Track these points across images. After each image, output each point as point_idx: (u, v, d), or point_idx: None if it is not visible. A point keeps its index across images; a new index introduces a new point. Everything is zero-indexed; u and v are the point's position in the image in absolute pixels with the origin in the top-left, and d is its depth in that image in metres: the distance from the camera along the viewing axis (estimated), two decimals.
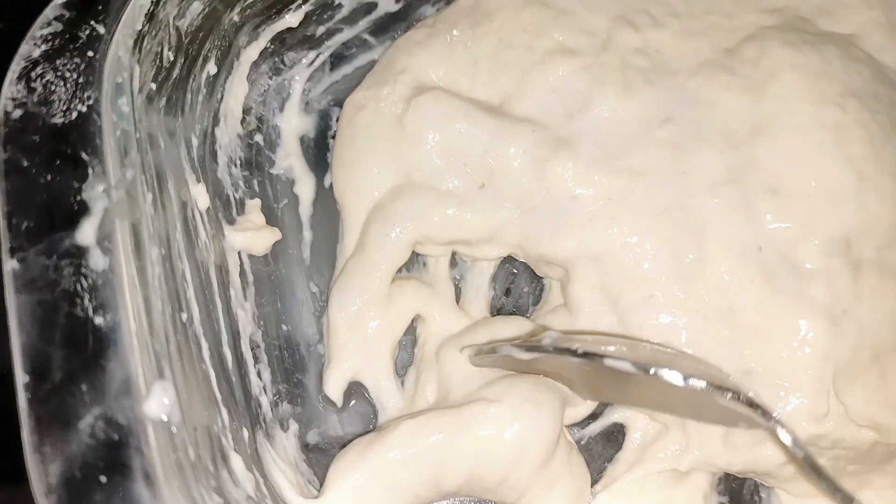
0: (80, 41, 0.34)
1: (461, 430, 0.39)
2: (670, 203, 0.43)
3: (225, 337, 0.39)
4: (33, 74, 0.34)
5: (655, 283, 0.42)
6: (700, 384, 0.34)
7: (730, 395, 0.35)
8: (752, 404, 0.35)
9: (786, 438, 0.35)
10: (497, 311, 0.47)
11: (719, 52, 0.46)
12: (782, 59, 0.44)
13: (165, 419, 0.30)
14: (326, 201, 0.48)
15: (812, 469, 0.35)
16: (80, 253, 0.31)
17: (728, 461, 0.42)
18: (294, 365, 0.45)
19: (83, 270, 0.31)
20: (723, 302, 0.42)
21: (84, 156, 0.33)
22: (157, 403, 0.30)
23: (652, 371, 0.35)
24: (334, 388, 0.44)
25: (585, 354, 0.36)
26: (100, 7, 0.35)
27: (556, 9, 0.46)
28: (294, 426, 0.43)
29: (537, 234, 0.44)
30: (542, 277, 0.48)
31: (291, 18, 0.46)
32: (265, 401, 0.42)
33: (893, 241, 0.41)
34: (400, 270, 0.46)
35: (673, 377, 0.35)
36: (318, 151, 0.49)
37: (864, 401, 0.40)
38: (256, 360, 0.42)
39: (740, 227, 0.42)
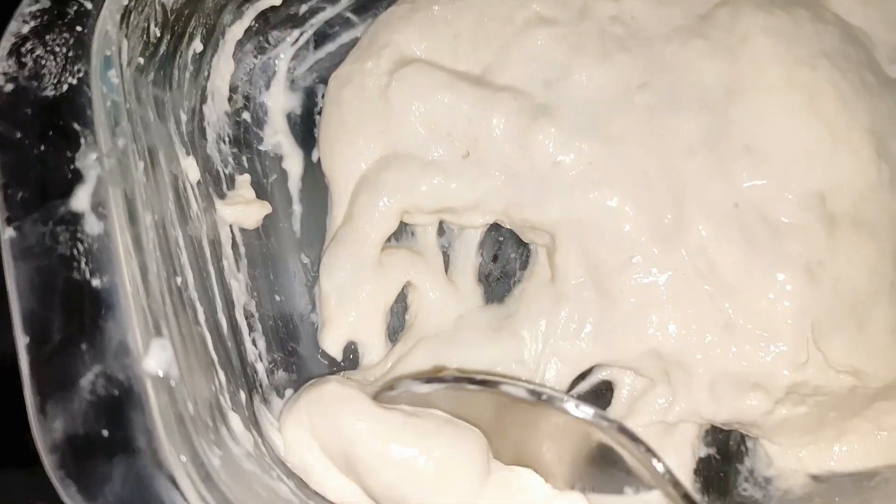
0: (69, 17, 0.35)
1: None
2: (649, 166, 0.44)
3: (219, 304, 0.40)
4: (23, 50, 0.35)
5: (635, 245, 0.43)
6: (589, 411, 0.36)
7: (616, 426, 0.36)
8: (632, 437, 0.36)
9: (659, 467, 0.37)
10: (486, 277, 0.48)
11: (693, 18, 0.47)
12: (754, 23, 0.45)
13: (163, 375, 0.31)
14: (315, 176, 0.49)
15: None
16: (75, 219, 0.32)
17: (713, 412, 0.44)
18: (288, 334, 0.46)
19: (79, 236, 0.32)
20: (702, 259, 0.43)
21: (76, 126, 0.34)
22: (156, 360, 0.31)
23: (544, 397, 0.36)
24: (332, 345, 0.45)
25: (483, 382, 0.38)
26: None
27: None
28: (290, 393, 0.44)
29: (521, 201, 0.45)
30: (528, 244, 0.49)
31: None
32: (261, 368, 0.43)
33: (867, 194, 0.43)
34: (389, 240, 0.47)
35: (567, 406, 0.36)
36: (305, 128, 0.50)
37: (843, 348, 0.42)
38: (251, 328, 0.43)
39: (717, 187, 0.43)
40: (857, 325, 0.42)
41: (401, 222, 0.47)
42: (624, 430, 0.36)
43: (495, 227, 0.49)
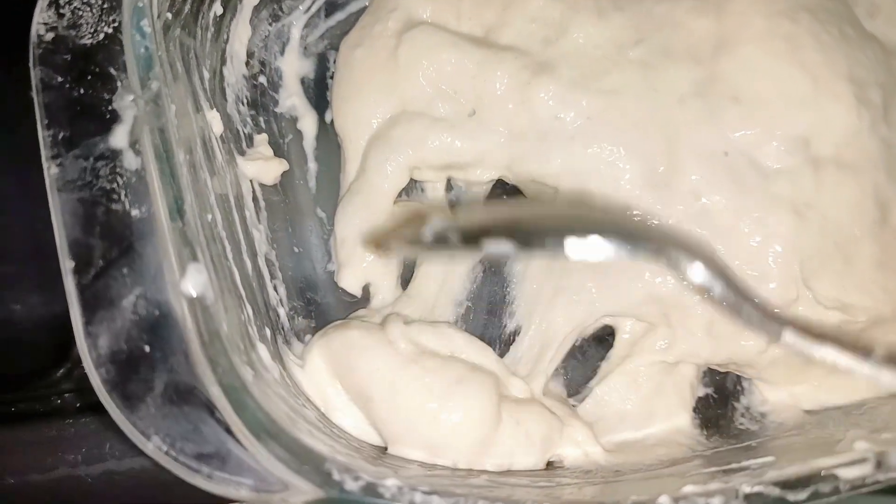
0: None
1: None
2: (643, 118, 0.46)
3: (244, 247, 0.42)
4: (61, 1, 0.37)
5: (630, 198, 0.46)
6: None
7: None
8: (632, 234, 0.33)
9: (699, 275, 0.34)
10: None
11: None
12: None
13: (197, 295, 0.33)
14: (328, 136, 0.51)
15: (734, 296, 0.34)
16: (114, 155, 0.34)
17: (711, 352, 0.46)
18: (307, 284, 0.48)
19: (118, 170, 0.34)
20: (695, 205, 0.45)
21: (112, 71, 0.36)
22: (192, 282, 0.33)
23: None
24: (350, 285, 0.48)
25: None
26: None
27: None
28: (310, 338, 0.46)
29: (524, 156, 0.48)
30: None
31: None
32: (282, 312, 0.45)
33: (849, 138, 0.45)
34: (400, 195, 0.49)
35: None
36: (318, 91, 0.52)
37: (830, 284, 0.44)
38: (272, 276, 0.46)
39: (707, 135, 0.45)
40: (844, 261, 0.44)
41: (411, 179, 0.50)
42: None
43: (500, 185, 0.51)
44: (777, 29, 0.46)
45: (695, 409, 0.47)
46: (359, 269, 0.48)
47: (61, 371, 0.55)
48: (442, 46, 0.48)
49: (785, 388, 0.47)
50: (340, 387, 0.43)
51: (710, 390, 0.48)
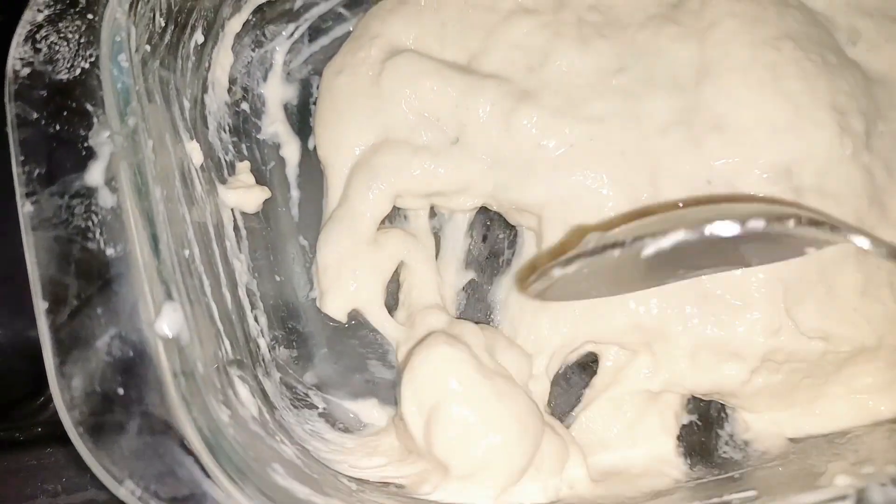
0: (80, 5, 0.37)
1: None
2: (626, 146, 0.46)
3: (223, 280, 0.42)
4: (38, 36, 0.37)
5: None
6: (759, 224, 0.31)
7: (791, 222, 0.32)
8: (815, 223, 0.33)
9: (863, 243, 0.33)
10: (475, 257, 0.51)
11: (665, 6, 0.50)
12: (722, 8, 0.48)
13: (173, 336, 0.33)
14: (311, 162, 0.51)
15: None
16: (89, 193, 0.34)
17: (694, 382, 0.46)
18: (288, 313, 0.48)
19: (93, 208, 0.34)
20: None
21: (89, 107, 0.36)
22: (167, 322, 0.33)
23: (707, 232, 0.32)
24: (335, 311, 0.48)
25: (633, 241, 0.33)
26: None
27: None
28: (291, 369, 0.46)
29: (507, 183, 0.48)
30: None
31: None
32: (263, 343, 0.45)
33: (831, 166, 0.45)
34: (383, 223, 0.49)
35: (729, 228, 0.32)
36: (301, 117, 0.52)
37: (813, 313, 0.44)
38: (253, 306, 0.45)
39: (690, 164, 0.46)
40: (826, 291, 0.44)
41: (394, 207, 0.49)
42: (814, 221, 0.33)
43: (483, 210, 0.51)
44: (760, 58, 0.46)
45: (679, 437, 0.47)
46: (344, 295, 0.47)
47: (41, 399, 0.55)
48: (424, 74, 0.48)
49: (768, 416, 0.47)
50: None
51: (694, 417, 0.48)
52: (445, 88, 0.48)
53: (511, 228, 0.51)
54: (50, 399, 0.55)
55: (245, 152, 0.50)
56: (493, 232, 0.51)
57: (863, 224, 0.45)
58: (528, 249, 0.50)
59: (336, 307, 0.48)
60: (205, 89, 0.47)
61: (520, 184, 0.47)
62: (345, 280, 0.48)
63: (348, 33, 0.53)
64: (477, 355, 0.43)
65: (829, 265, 0.45)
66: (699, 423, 0.48)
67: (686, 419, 0.48)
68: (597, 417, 0.48)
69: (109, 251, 0.34)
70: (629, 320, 0.46)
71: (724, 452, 0.47)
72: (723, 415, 0.48)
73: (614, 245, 0.33)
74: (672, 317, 0.45)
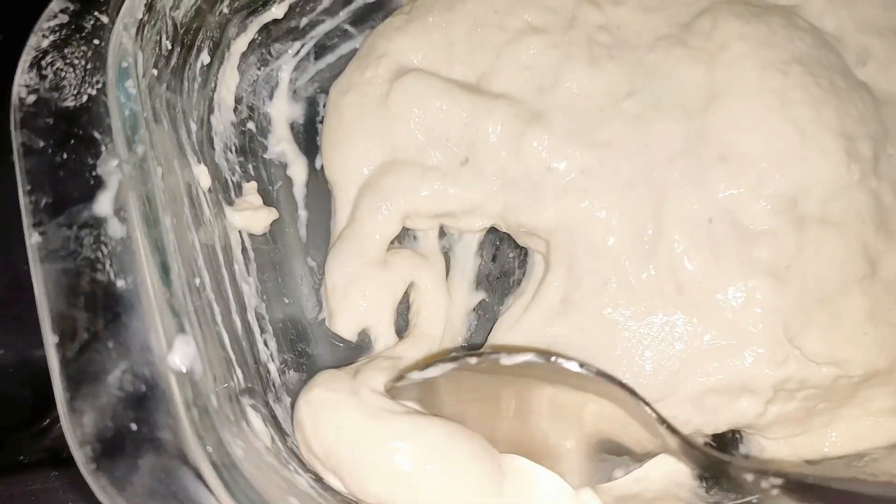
0: (86, 31, 0.37)
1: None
2: (635, 177, 0.46)
3: (233, 305, 0.41)
4: (43, 63, 0.36)
5: (615, 264, 0.45)
6: (592, 368, 0.37)
7: (617, 381, 0.38)
8: (634, 393, 0.38)
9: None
10: (486, 277, 0.50)
11: (675, 27, 0.49)
12: (732, 31, 0.47)
13: (186, 370, 0.33)
14: (318, 182, 0.51)
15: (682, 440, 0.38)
16: (98, 223, 0.34)
17: (704, 422, 0.45)
18: (297, 335, 0.47)
19: (103, 239, 0.33)
20: (670, 282, 0.44)
21: (96, 135, 0.35)
22: (180, 356, 0.32)
23: (553, 359, 0.37)
24: (344, 330, 0.47)
25: (480, 354, 0.38)
26: None
27: None
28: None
29: (517, 205, 0.47)
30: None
31: (277, 10, 0.49)
32: (273, 368, 0.44)
33: (835, 194, 0.44)
34: (392, 243, 0.49)
35: (570, 365, 0.37)
36: (308, 136, 0.52)
37: (819, 340, 0.43)
38: (262, 330, 0.45)
39: (694, 199, 0.45)
40: (830, 317, 0.44)
41: (403, 227, 0.49)
42: (624, 386, 0.38)
43: (493, 230, 0.51)
44: (768, 83, 0.45)
45: None
46: (353, 315, 0.47)
47: (45, 422, 0.54)
48: (433, 94, 0.47)
49: (785, 441, 0.47)
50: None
51: (708, 438, 0.48)
52: (455, 108, 0.47)
53: (521, 248, 0.51)
54: (53, 423, 0.55)
55: (252, 172, 0.49)
56: (503, 252, 0.51)
57: (868, 251, 0.45)
58: (537, 270, 0.50)
59: (345, 327, 0.48)
60: (211, 110, 0.47)
61: (529, 207, 0.47)
62: (354, 299, 0.47)
63: (354, 51, 0.53)
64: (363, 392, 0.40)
65: (830, 293, 0.44)
66: (713, 444, 0.48)
67: (701, 441, 0.48)
68: None
69: (120, 283, 0.33)
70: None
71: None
72: (737, 436, 0.48)
73: (473, 355, 0.38)
74: (668, 378, 0.45)
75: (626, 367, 0.44)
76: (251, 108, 0.50)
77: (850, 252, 0.44)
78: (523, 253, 0.51)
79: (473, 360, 0.38)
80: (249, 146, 0.50)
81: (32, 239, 0.33)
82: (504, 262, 0.51)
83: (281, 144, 0.51)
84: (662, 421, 0.38)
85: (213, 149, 0.47)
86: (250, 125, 0.50)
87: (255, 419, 0.37)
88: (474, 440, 0.39)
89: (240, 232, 0.46)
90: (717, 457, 0.38)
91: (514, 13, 0.48)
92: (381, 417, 0.38)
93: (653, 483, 0.45)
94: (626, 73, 0.47)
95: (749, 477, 0.36)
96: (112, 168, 0.34)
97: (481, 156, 0.47)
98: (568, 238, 0.46)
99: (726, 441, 0.48)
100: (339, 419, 0.39)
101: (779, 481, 0.35)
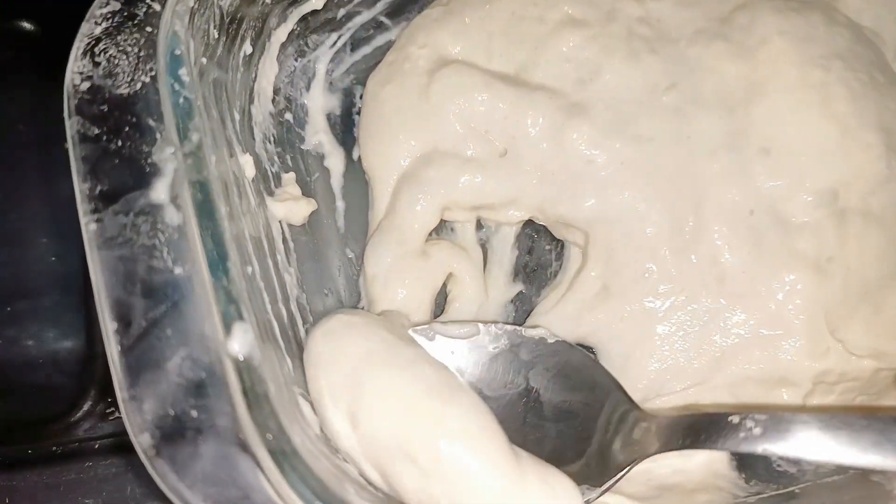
0: (138, 18, 0.37)
1: None
2: (676, 169, 0.46)
3: (279, 295, 0.41)
4: (97, 50, 0.36)
5: (654, 254, 0.45)
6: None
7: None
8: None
9: None
10: (522, 268, 0.50)
11: (714, 21, 0.49)
12: (771, 26, 0.48)
13: (244, 357, 0.33)
14: (356, 173, 0.51)
15: None
16: (154, 210, 0.33)
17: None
18: None
19: (159, 226, 0.33)
20: (711, 273, 0.45)
21: (151, 122, 0.35)
22: (238, 343, 0.32)
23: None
24: None
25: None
26: None
27: None
28: None
29: (556, 198, 0.47)
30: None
31: (316, 1, 0.49)
32: None
33: (876, 188, 0.45)
34: (430, 235, 0.49)
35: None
36: (345, 127, 0.52)
37: (861, 334, 0.44)
38: (304, 320, 0.45)
39: (736, 191, 0.45)
40: (873, 310, 0.44)
41: (441, 219, 0.49)
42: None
43: (529, 223, 0.51)
44: (809, 78, 0.45)
45: (732, 452, 0.47)
46: (393, 302, 0.47)
47: (80, 413, 0.54)
48: (475, 86, 0.47)
49: None
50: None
51: None
52: (495, 100, 0.47)
53: (557, 241, 0.51)
54: (86, 415, 0.55)
55: (290, 163, 0.49)
56: (540, 244, 0.51)
57: None
58: (574, 262, 0.50)
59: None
60: (251, 100, 0.47)
61: (569, 199, 0.47)
62: (393, 288, 0.47)
63: (390, 42, 0.53)
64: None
65: (872, 286, 0.44)
66: None
67: None
68: None
69: (177, 270, 0.33)
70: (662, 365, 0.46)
71: (779, 466, 0.46)
72: None
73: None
74: (709, 364, 0.45)
75: (667, 352, 0.45)
76: (288, 99, 0.50)
77: (892, 245, 0.44)
78: (560, 245, 0.51)
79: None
80: (287, 137, 0.50)
81: (89, 227, 0.33)
82: (541, 255, 0.51)
83: (318, 135, 0.51)
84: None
85: (254, 139, 0.47)
86: (288, 116, 0.50)
87: (306, 407, 0.37)
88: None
89: (280, 222, 0.46)
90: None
91: (555, 6, 0.48)
92: (416, 345, 0.38)
93: (693, 474, 0.45)
94: (665, 66, 0.47)
95: (735, 419, 0.36)
96: (167, 155, 0.34)
97: (521, 148, 0.47)
98: (607, 230, 0.46)
99: None
100: (368, 337, 0.37)
101: (763, 417, 0.35)
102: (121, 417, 0.53)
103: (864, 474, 0.42)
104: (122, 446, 0.53)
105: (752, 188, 0.45)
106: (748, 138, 0.45)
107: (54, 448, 0.53)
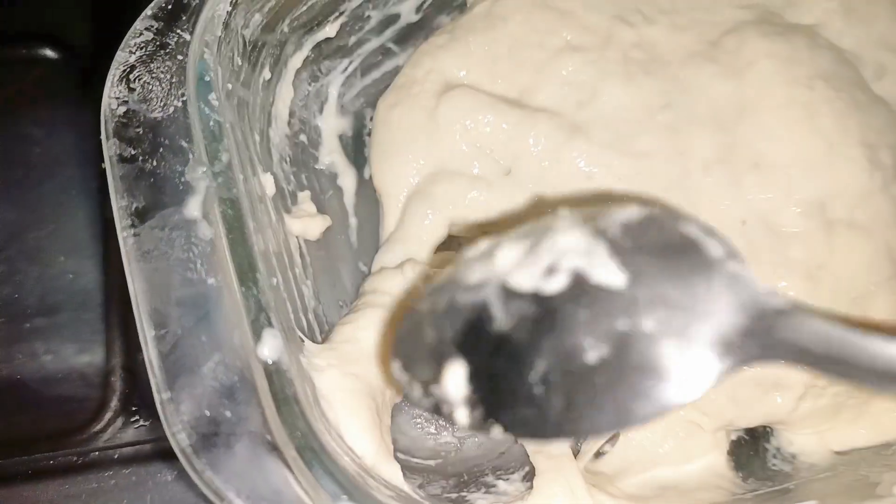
0: (170, 47, 0.39)
1: None
2: (670, 182, 0.48)
3: (299, 305, 0.44)
4: (132, 77, 0.39)
5: None
6: None
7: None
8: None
9: None
10: None
11: (704, 44, 0.52)
12: (759, 49, 0.51)
13: (273, 362, 0.35)
14: (367, 191, 0.53)
15: None
16: (188, 225, 0.36)
17: (739, 416, 0.47)
18: None
19: (193, 240, 0.36)
20: None
21: (184, 144, 0.37)
22: (268, 348, 0.35)
23: None
24: None
25: None
26: (183, 17, 0.40)
27: (561, 11, 0.53)
28: None
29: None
30: None
31: (330, 29, 0.52)
32: None
33: (862, 200, 0.48)
34: (436, 250, 0.51)
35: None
36: (356, 147, 0.54)
37: None
38: (321, 331, 0.47)
39: (729, 203, 0.48)
40: (861, 315, 0.47)
41: (448, 235, 0.51)
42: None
43: None
44: (794, 97, 0.48)
45: (729, 452, 0.49)
46: None
47: (99, 424, 0.56)
48: (480, 108, 0.50)
49: (814, 434, 0.49)
50: None
51: (740, 432, 0.50)
52: (499, 122, 0.50)
53: None
54: (107, 426, 0.56)
55: (305, 182, 0.52)
56: None
57: (892, 253, 0.47)
58: None
59: None
60: (269, 122, 0.49)
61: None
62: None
63: (397, 67, 0.55)
64: None
65: (860, 293, 0.47)
66: (746, 437, 0.50)
67: (734, 434, 0.50)
68: (646, 432, 0.49)
69: (210, 280, 0.35)
70: None
71: (774, 465, 0.49)
72: (769, 429, 0.50)
73: None
74: None
75: None
76: (303, 122, 0.53)
77: (878, 254, 0.47)
78: None
79: None
80: (302, 157, 0.52)
81: (128, 241, 0.35)
82: None
83: (331, 155, 0.54)
84: None
85: (272, 159, 0.49)
86: (302, 137, 0.53)
87: (329, 411, 0.39)
88: None
89: (297, 237, 0.49)
90: None
91: (554, 32, 0.51)
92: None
93: (693, 473, 0.47)
94: (660, 87, 0.50)
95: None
96: (199, 175, 0.37)
97: (524, 166, 0.50)
98: None
99: (758, 434, 0.50)
100: None
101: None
102: (141, 427, 0.56)
103: (854, 468, 0.44)
104: (140, 456, 0.55)
105: (744, 200, 0.47)
106: (739, 153, 0.48)
107: (74, 458, 0.55)
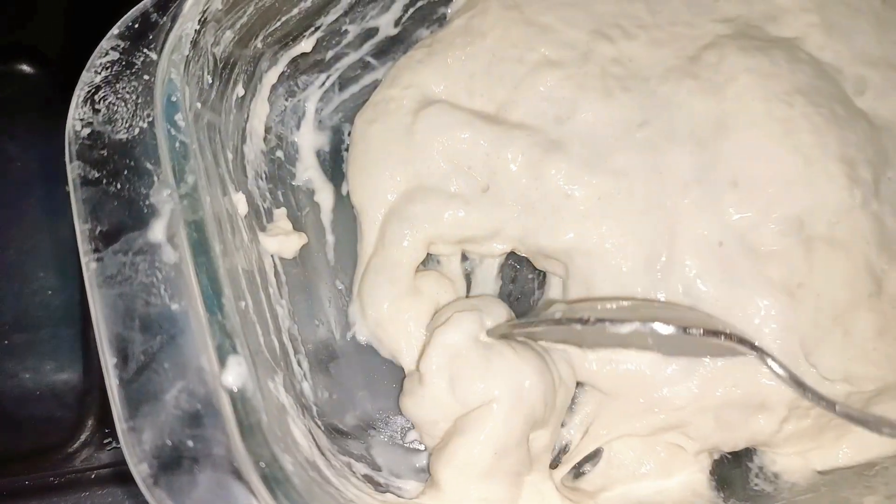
0: (136, 67, 0.39)
1: None
2: (649, 203, 0.48)
3: (271, 327, 0.43)
4: (97, 97, 0.38)
5: (630, 285, 0.47)
6: (697, 332, 0.40)
7: (723, 337, 0.40)
8: (741, 341, 0.41)
9: (774, 367, 0.42)
10: (507, 297, 0.52)
11: (683, 59, 0.52)
12: (738, 64, 0.50)
13: (238, 389, 0.34)
14: (345, 208, 0.53)
15: (797, 384, 0.42)
16: (152, 249, 0.35)
17: (724, 440, 0.47)
18: (328, 356, 0.49)
19: (157, 264, 0.35)
20: (685, 302, 0.46)
21: (149, 165, 0.37)
22: (233, 375, 0.34)
23: (655, 327, 0.39)
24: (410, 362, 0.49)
25: (595, 321, 0.40)
26: (150, 36, 0.40)
27: (540, 26, 0.52)
28: (333, 412, 0.47)
29: (536, 229, 0.49)
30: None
31: (306, 44, 0.51)
32: (307, 387, 0.46)
33: (841, 216, 0.47)
34: (418, 268, 0.50)
35: (668, 329, 0.40)
36: (334, 163, 0.54)
37: (832, 357, 0.46)
38: (296, 351, 0.46)
39: (707, 224, 0.47)
40: (843, 333, 0.46)
41: (427, 253, 0.51)
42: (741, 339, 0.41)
43: (512, 254, 0.53)
44: (773, 112, 0.48)
45: (711, 472, 0.48)
46: (398, 344, 0.49)
47: (77, 444, 0.55)
48: (457, 125, 0.49)
49: (797, 455, 0.48)
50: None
51: (724, 452, 0.50)
52: (477, 138, 0.49)
53: (539, 270, 0.53)
54: (83, 446, 0.56)
55: (281, 199, 0.51)
56: (523, 273, 0.53)
57: (873, 270, 0.47)
58: (555, 291, 0.52)
59: (410, 359, 0.49)
60: (244, 139, 0.49)
61: (548, 230, 0.49)
62: (396, 334, 0.49)
63: (376, 82, 0.55)
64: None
65: (841, 311, 0.46)
66: (729, 456, 0.50)
67: (717, 454, 0.49)
68: (628, 451, 0.49)
69: (174, 306, 0.35)
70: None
71: (756, 485, 0.48)
72: (752, 448, 0.50)
73: (579, 320, 0.41)
74: (688, 391, 0.46)
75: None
76: (279, 138, 0.53)
77: (858, 271, 0.46)
78: (542, 275, 0.53)
79: (579, 327, 0.41)
80: (278, 174, 0.52)
81: (90, 266, 0.35)
82: (524, 284, 0.53)
83: (308, 172, 0.53)
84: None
85: (246, 177, 0.49)
86: (279, 153, 0.52)
87: (298, 434, 0.39)
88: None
89: (272, 256, 0.48)
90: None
91: (532, 48, 0.51)
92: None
93: (672, 492, 0.47)
94: (638, 103, 0.50)
95: None
96: (164, 197, 0.36)
97: (502, 183, 0.49)
98: (585, 262, 0.48)
99: (740, 453, 0.50)
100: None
101: None
102: (117, 448, 0.55)
103: (836, 490, 0.44)
104: (118, 476, 0.54)
105: (722, 220, 0.47)
106: (717, 171, 0.48)
107: (52, 479, 0.54)
